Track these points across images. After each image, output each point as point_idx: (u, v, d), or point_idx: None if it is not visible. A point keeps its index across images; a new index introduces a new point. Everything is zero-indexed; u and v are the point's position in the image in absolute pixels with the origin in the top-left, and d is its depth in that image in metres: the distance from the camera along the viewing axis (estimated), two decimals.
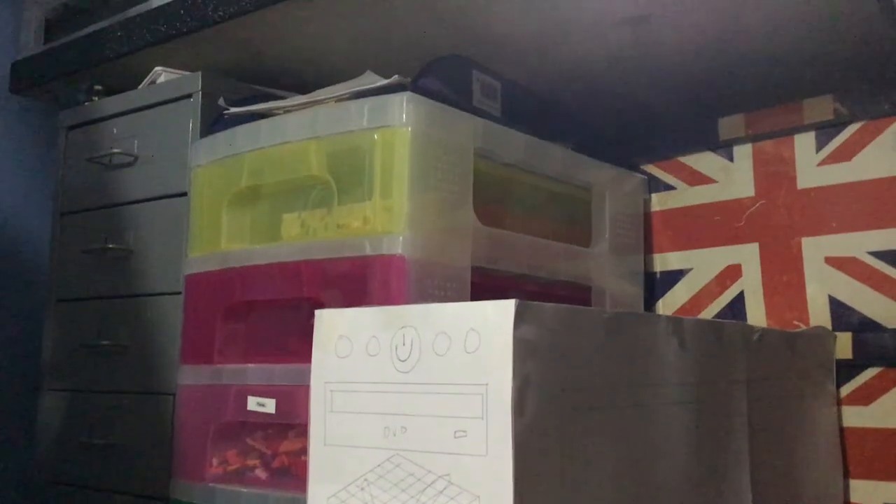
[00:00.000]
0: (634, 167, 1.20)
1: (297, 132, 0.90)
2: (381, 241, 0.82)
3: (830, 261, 1.02)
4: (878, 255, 0.99)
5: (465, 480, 0.54)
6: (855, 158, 1.02)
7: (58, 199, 1.28)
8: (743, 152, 1.12)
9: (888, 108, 1.01)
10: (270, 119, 0.95)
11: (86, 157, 1.21)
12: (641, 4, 1.02)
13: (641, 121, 1.25)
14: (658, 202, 1.18)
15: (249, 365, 0.91)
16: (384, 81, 0.90)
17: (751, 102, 1.13)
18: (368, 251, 0.83)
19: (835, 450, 0.95)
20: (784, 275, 1.05)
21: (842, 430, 0.97)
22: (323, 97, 0.93)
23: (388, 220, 0.82)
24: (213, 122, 1.06)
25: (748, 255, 1.08)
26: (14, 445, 1.39)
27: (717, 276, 1.11)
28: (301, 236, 0.91)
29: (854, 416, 0.97)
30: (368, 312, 0.61)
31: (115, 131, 1.20)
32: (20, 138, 1.47)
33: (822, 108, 1.05)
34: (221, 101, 1.06)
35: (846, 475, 0.97)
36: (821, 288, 1.02)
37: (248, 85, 1.18)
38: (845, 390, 0.98)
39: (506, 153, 0.94)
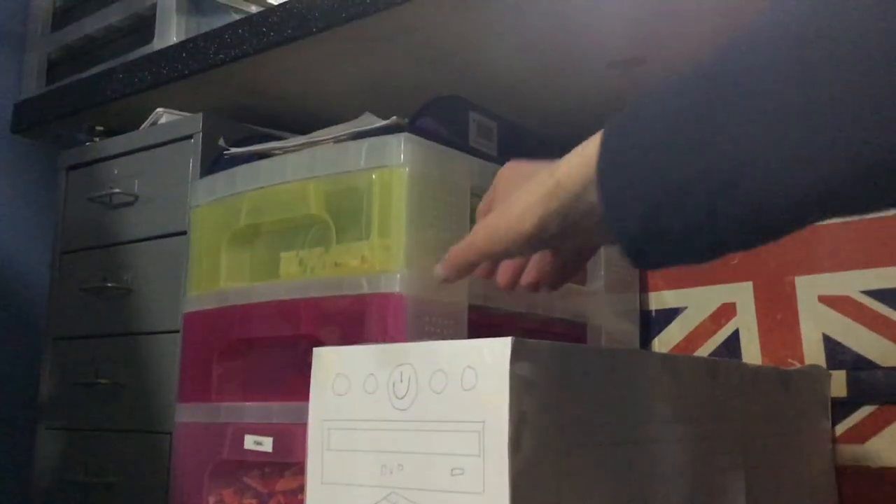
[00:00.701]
0: None
1: (295, 172, 0.91)
2: (379, 280, 0.82)
3: (824, 299, 1.03)
4: (871, 293, 0.99)
5: None
6: None
7: (57, 238, 1.29)
8: None
9: None
10: (269, 159, 0.96)
11: (86, 196, 1.22)
12: (636, 47, 1.03)
13: None
14: None
15: (247, 403, 0.91)
16: (382, 122, 0.91)
17: None
18: (366, 289, 0.83)
19: (830, 488, 0.95)
20: (778, 313, 1.06)
21: (837, 468, 0.97)
22: (321, 138, 0.95)
23: (386, 259, 0.83)
24: (213, 163, 1.08)
25: (742, 294, 1.09)
26: (10, 484, 1.38)
27: (711, 315, 1.12)
28: (299, 274, 0.91)
29: (849, 455, 0.97)
30: (366, 350, 0.62)
31: (115, 171, 1.21)
32: (21, 178, 1.48)
33: None
34: (221, 142, 1.08)
35: None
36: (815, 326, 1.03)
37: (248, 126, 1.19)
38: (840, 428, 0.98)
39: None
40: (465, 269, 0.55)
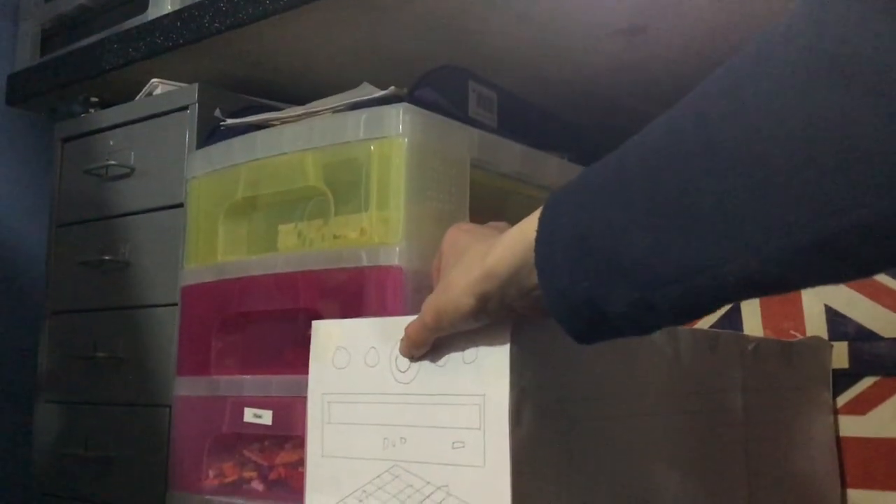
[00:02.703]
0: None
1: (293, 143, 0.90)
2: (378, 252, 0.82)
3: None
4: None
5: (464, 491, 0.54)
6: None
7: (53, 211, 1.28)
8: None
9: None
10: (267, 130, 0.95)
11: (82, 168, 1.20)
12: (637, 15, 1.02)
13: (638, 131, 1.26)
14: None
15: (246, 376, 0.91)
16: (380, 93, 0.90)
17: None
18: (365, 262, 0.83)
19: (832, 459, 0.95)
20: None
21: (839, 439, 0.97)
22: (319, 108, 0.93)
23: (385, 231, 0.82)
24: (210, 134, 1.06)
25: None
26: (9, 458, 1.38)
27: None
28: (297, 247, 0.91)
29: (851, 426, 0.97)
30: (366, 323, 0.61)
31: (111, 143, 1.20)
32: (16, 150, 1.47)
33: None
34: (218, 113, 1.06)
35: (843, 485, 0.97)
36: (817, 297, 1.02)
37: (245, 96, 1.18)
38: (842, 400, 0.98)
39: (502, 164, 0.95)
40: (423, 346, 0.57)
